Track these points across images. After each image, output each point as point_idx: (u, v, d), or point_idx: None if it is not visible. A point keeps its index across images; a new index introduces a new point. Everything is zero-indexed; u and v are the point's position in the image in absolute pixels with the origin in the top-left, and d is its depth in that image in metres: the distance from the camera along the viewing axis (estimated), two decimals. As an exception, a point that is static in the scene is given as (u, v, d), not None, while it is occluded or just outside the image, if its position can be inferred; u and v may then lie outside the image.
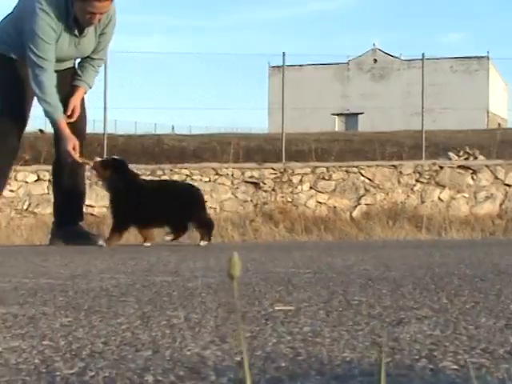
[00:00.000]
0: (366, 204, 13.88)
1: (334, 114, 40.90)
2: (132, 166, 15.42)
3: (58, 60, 5.08)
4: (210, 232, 5.08)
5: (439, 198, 13.71)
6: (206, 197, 15.49)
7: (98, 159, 5.03)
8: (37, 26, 4.86)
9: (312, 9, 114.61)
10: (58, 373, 1.27)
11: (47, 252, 4.29)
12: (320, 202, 14.50)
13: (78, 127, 5.22)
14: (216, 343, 1.49)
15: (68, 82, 5.20)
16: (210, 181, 15.44)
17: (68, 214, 5.26)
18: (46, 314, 1.83)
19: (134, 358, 1.36)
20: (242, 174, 15.36)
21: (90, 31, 5.03)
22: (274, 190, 14.98)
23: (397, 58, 43.17)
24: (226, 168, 15.56)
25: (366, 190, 14.01)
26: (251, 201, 15.17)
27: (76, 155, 4.93)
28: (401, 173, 13.90)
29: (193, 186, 5.62)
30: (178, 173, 15.30)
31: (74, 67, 5.29)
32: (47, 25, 4.85)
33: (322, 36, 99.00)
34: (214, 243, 5.14)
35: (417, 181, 13.80)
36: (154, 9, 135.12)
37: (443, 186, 13.74)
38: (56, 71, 5.10)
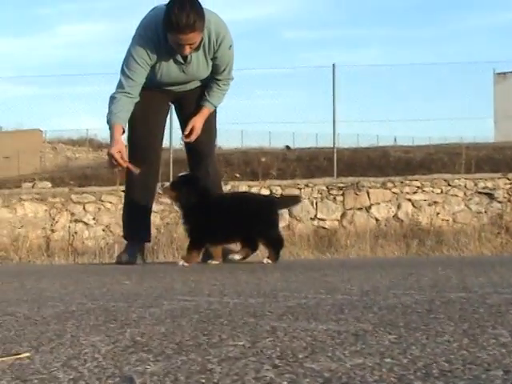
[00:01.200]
0: None
1: None
2: (360, 179, 15.45)
3: (171, 84, 5.19)
4: (278, 251, 4.88)
5: None
6: (437, 208, 15.33)
7: (166, 184, 4.99)
8: (133, 48, 5.00)
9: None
10: (424, 392, 1.27)
11: (320, 267, 4.36)
12: (560, 213, 13.93)
13: (198, 148, 5.25)
14: None
15: (194, 101, 5.26)
16: (441, 192, 15.21)
17: None
18: (366, 330, 1.85)
19: (490, 378, 1.34)
20: (475, 184, 15.01)
21: (196, 57, 5.03)
22: (509, 200, 14.54)
23: None
24: (458, 179, 15.26)
25: None
26: (485, 212, 14.78)
27: (121, 160, 4.87)
28: None
29: (267, 199, 5.40)
30: (409, 185, 15.20)
31: (202, 86, 5.30)
32: (143, 48, 4.96)
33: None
34: (467, 256, 5.03)
35: None
36: (371, 21, 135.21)
37: None
38: (183, 91, 5.25)
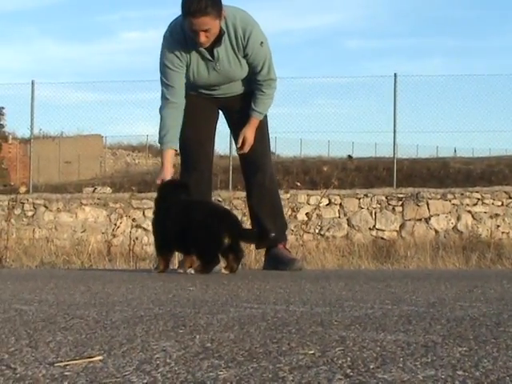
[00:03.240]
0: None
1: None
2: (420, 190, 15.29)
3: (208, 86, 5.15)
4: (206, 264, 4.60)
5: None
6: (497, 221, 15.15)
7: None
8: (163, 55, 5.00)
9: None
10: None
11: (383, 277, 4.34)
12: None
13: (250, 159, 5.22)
14: None
15: (241, 110, 5.20)
16: (502, 205, 15.04)
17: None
18: (436, 342, 1.84)
19: None
20: (537, 197, 14.86)
21: (226, 55, 4.97)
22: None
23: None
24: (519, 192, 15.09)
25: None
26: (547, 225, 14.62)
27: None
28: None
29: (214, 209, 4.93)
30: (469, 196, 15.04)
31: (246, 93, 5.22)
32: (171, 52, 4.95)
33: None
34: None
35: None
36: (434, 31, 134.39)
37: None
38: (226, 97, 5.21)
